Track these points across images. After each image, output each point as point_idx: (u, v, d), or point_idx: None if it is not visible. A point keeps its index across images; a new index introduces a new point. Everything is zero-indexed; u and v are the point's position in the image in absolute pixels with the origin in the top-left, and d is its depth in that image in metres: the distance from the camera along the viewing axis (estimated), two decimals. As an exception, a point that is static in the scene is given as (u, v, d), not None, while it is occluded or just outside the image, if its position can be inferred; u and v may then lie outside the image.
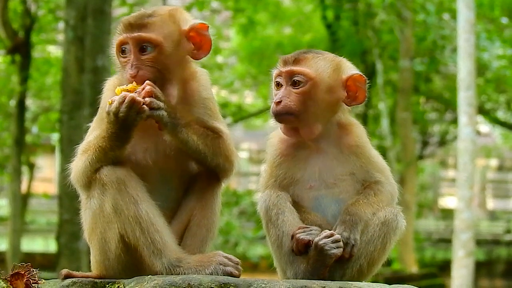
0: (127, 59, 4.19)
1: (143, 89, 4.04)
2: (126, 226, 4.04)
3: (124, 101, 3.99)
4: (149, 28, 4.17)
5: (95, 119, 4.31)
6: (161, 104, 4.05)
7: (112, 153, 4.06)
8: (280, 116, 4.28)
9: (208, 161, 4.24)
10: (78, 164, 4.15)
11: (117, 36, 4.22)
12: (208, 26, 4.32)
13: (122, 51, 4.21)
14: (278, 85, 4.34)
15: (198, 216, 4.26)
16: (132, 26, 4.18)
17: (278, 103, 4.27)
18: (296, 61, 4.31)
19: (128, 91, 4.04)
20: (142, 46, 4.16)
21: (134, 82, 4.10)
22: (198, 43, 4.31)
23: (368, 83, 4.42)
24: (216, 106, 4.40)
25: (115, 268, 4.14)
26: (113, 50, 4.28)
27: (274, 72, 4.38)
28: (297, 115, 4.26)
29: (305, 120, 4.28)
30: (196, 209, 4.27)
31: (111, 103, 4.02)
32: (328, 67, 4.32)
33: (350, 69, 4.39)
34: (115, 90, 4.09)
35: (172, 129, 4.12)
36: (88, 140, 4.18)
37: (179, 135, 4.14)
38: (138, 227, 4.03)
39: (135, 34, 4.16)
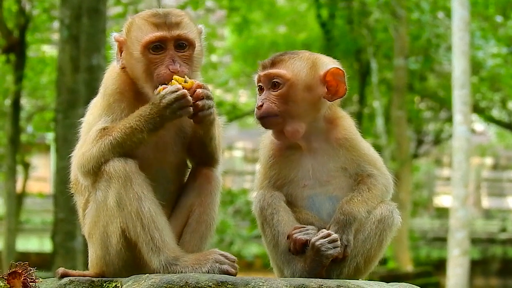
0: (162, 56, 4.22)
1: (198, 86, 4.16)
2: (128, 221, 4.09)
3: (176, 91, 4.09)
4: (185, 27, 4.28)
5: (100, 106, 4.30)
6: (211, 103, 4.19)
7: (139, 136, 4.10)
8: (263, 119, 4.32)
9: (213, 150, 4.36)
10: (92, 150, 4.14)
11: (147, 33, 4.24)
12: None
13: (154, 48, 4.23)
14: (261, 89, 4.38)
15: (198, 212, 4.32)
16: (169, 25, 4.24)
17: (260, 106, 4.32)
18: (273, 64, 4.36)
19: (185, 85, 4.13)
20: (179, 43, 4.25)
21: (190, 80, 4.18)
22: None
23: (346, 76, 4.37)
24: None
25: (115, 263, 4.18)
26: (134, 47, 4.25)
27: (255, 77, 4.42)
28: (279, 116, 4.29)
29: (289, 120, 4.30)
30: (195, 205, 4.33)
31: (162, 90, 4.10)
32: (304, 66, 4.35)
33: (327, 64, 4.39)
34: (172, 79, 4.15)
35: (210, 124, 4.26)
36: (102, 126, 4.19)
37: (211, 129, 4.29)
38: (139, 223, 4.07)
39: (175, 34, 4.24)
